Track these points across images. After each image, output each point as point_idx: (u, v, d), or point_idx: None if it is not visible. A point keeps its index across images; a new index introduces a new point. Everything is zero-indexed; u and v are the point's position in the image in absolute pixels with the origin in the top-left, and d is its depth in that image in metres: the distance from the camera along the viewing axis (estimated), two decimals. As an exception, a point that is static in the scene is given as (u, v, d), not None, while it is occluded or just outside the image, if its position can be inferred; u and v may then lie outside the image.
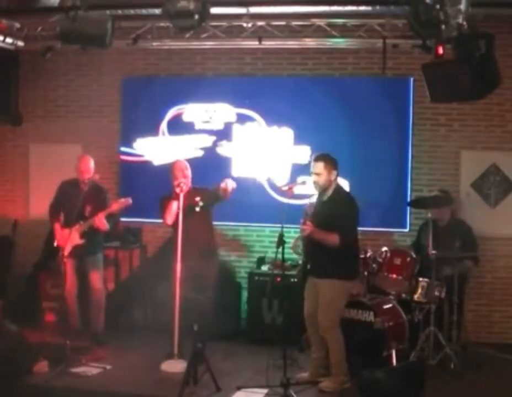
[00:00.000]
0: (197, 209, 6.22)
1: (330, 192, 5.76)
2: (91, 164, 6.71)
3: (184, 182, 6.15)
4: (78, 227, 6.58)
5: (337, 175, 5.81)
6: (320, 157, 5.80)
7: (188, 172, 6.34)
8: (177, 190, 6.12)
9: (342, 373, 5.65)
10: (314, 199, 5.97)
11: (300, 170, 7.45)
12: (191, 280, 6.02)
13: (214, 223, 6.60)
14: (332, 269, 5.58)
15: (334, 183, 5.78)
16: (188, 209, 6.08)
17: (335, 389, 5.59)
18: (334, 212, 5.62)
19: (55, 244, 6.68)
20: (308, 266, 5.82)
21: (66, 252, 6.47)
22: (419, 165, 7.44)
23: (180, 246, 6.01)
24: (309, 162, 7.42)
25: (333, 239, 5.53)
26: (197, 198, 6.13)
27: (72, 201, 6.65)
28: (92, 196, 6.66)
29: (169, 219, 6.28)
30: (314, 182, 5.78)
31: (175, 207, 6.17)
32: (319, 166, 5.72)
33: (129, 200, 6.54)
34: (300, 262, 7.14)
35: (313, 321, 5.75)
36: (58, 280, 6.78)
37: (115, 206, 6.56)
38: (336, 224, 5.55)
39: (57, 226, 6.77)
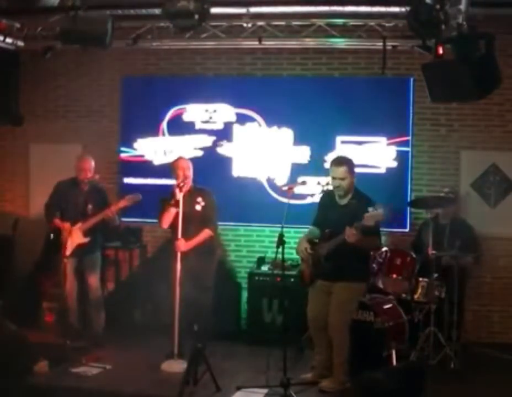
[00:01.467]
0: (198, 208, 6.24)
1: (349, 194, 5.67)
2: (92, 163, 6.72)
3: (184, 182, 6.15)
4: (81, 226, 6.55)
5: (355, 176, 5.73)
6: (342, 161, 5.68)
7: (190, 172, 6.33)
8: (177, 190, 6.12)
9: (343, 373, 5.64)
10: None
11: (300, 170, 7.46)
12: (191, 280, 6.02)
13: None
14: (351, 272, 5.55)
15: (353, 186, 5.69)
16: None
17: (335, 388, 5.59)
18: (363, 214, 5.29)
19: (62, 239, 6.59)
20: (323, 269, 5.69)
21: (68, 252, 6.47)
22: (418, 165, 7.45)
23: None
24: (309, 162, 7.42)
25: (376, 242, 5.49)
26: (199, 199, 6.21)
27: (71, 201, 6.67)
28: (93, 195, 6.69)
29: (165, 224, 6.29)
30: (337, 187, 5.62)
31: (172, 212, 6.16)
32: (342, 171, 5.58)
33: (139, 196, 6.51)
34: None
35: (318, 324, 5.74)
36: (58, 280, 6.78)
37: (124, 202, 6.54)
38: (373, 226, 5.37)
39: (57, 221, 6.67)
